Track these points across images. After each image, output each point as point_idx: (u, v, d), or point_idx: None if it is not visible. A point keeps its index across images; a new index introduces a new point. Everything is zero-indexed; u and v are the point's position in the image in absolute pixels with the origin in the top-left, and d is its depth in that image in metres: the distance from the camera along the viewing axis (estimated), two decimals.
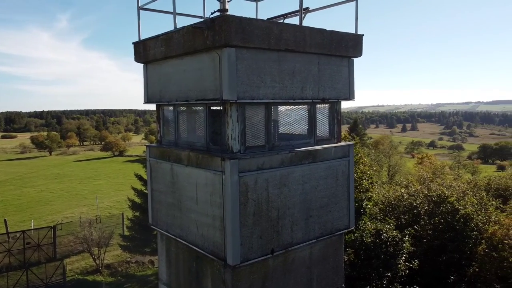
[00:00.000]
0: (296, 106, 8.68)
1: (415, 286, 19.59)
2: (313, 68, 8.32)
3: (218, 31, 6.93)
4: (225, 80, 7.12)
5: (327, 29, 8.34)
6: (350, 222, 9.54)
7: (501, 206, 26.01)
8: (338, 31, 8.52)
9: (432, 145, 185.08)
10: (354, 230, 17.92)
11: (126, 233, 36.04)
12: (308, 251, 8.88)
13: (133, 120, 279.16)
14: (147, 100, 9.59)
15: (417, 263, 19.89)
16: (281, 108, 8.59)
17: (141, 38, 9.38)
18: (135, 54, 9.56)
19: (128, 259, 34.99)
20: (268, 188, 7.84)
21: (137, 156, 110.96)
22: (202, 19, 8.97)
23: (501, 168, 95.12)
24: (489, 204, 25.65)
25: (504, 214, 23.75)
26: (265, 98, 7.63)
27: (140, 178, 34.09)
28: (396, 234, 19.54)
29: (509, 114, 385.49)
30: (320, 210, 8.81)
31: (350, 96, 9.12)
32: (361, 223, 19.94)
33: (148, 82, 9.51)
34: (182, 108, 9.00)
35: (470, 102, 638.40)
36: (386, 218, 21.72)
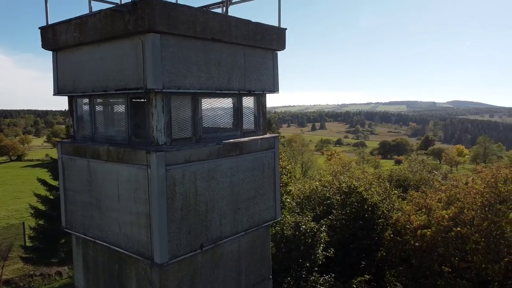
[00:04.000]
0: (222, 98, 8.55)
1: (331, 273, 20.61)
2: (239, 59, 8.25)
3: (141, 15, 6.52)
4: (149, 68, 6.72)
5: (252, 21, 8.34)
6: (277, 213, 9.68)
7: (402, 194, 28.66)
8: (262, 23, 8.57)
9: (339, 142, 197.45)
10: (275, 224, 18.31)
11: (29, 243, 32.69)
12: (237, 244, 8.80)
13: (33, 121, 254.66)
14: (58, 91, 8.71)
15: (332, 251, 21.00)
16: (207, 99, 8.39)
17: (50, 23, 8.48)
18: (42, 40, 8.62)
19: (32, 272, 31.75)
20: (196, 181, 7.59)
21: (38, 160, 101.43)
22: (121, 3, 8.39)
23: (398, 162, 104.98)
24: (392, 193, 28.12)
25: (405, 202, 26.16)
26: (191, 88, 7.37)
27: (44, 183, 31.15)
28: (313, 225, 20.40)
29: (403, 114, 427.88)
30: (247, 202, 8.79)
31: (274, 89, 9.24)
32: (281, 217, 20.46)
33: (58, 71, 8.65)
34: (99, 100, 8.34)
35: (371, 103, 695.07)
36: (304, 210, 22.56)
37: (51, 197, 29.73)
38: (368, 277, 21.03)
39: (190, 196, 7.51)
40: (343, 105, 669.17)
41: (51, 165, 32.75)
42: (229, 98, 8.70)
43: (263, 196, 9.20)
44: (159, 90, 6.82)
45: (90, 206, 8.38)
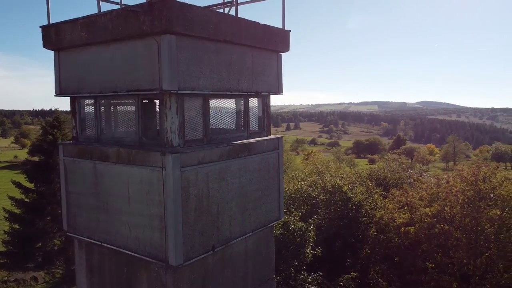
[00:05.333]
0: (229, 100, 8.58)
1: (319, 272, 20.89)
2: (247, 61, 8.30)
3: (158, 16, 6.46)
4: (165, 70, 6.67)
5: (260, 23, 8.40)
6: (280, 213, 9.77)
7: (384, 193, 29.36)
8: (269, 25, 8.65)
9: (313, 142, 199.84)
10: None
11: (2, 248, 31.52)
12: (244, 244, 8.84)
13: None
14: (60, 92, 8.50)
15: (320, 250, 21.29)
16: (214, 100, 8.39)
17: (51, 22, 8.27)
18: (43, 39, 8.39)
19: (5, 278, 30.63)
20: (208, 183, 7.59)
21: (6, 162, 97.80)
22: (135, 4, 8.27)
23: (371, 161, 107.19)
24: (374, 192, 28.76)
25: (387, 200, 26.80)
26: (204, 89, 7.36)
27: (19, 185, 30.12)
28: (301, 224, 20.62)
29: (375, 114, 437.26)
30: (254, 203, 8.84)
31: (279, 90, 9.33)
32: None
33: (61, 71, 8.43)
34: (107, 101, 8.20)
35: (344, 103, 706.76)
36: (292, 210, 22.74)
37: (27, 200, 28.78)
38: (354, 274, 21.45)
39: (203, 198, 7.49)
40: (317, 105, 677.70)
41: (25, 167, 31.70)
42: (234, 99, 8.73)
43: (268, 196, 9.27)
44: (175, 91, 6.78)
45: (96, 209, 8.22)
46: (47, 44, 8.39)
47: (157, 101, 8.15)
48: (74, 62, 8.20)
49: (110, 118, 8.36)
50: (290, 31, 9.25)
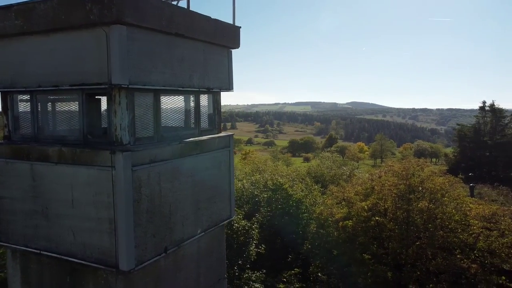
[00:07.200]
0: (179, 96, 8.30)
1: (262, 269, 21.08)
2: (199, 56, 8.08)
3: (108, 5, 6.05)
4: (115, 63, 6.26)
5: (212, 17, 8.23)
6: (231, 212, 9.67)
7: (322, 189, 30.42)
8: (221, 21, 8.50)
9: (250, 142, 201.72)
10: None
11: None
12: (197, 245, 8.61)
13: None
14: None
15: (264, 247, 21.49)
16: (164, 97, 8.06)
17: None
18: None
19: None
20: (161, 182, 7.27)
21: None
22: None
23: (306, 159, 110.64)
24: (313, 188, 29.68)
25: (325, 196, 27.78)
26: (156, 84, 7.04)
27: None
28: (245, 223, 20.67)
29: (308, 114, 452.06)
30: (207, 202, 8.64)
31: (230, 87, 9.21)
32: None
33: None
34: (45, 96, 7.52)
35: (279, 103, 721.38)
36: (235, 209, 22.68)
37: None
38: (297, 270, 21.94)
39: (155, 198, 7.16)
40: (253, 105, 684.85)
41: None
42: (184, 96, 8.47)
43: (220, 195, 9.12)
44: (126, 86, 6.40)
45: (34, 215, 7.51)
46: None
47: (101, 97, 7.67)
48: (7, 53, 7.41)
49: (50, 115, 7.68)
50: (240, 27, 9.18)
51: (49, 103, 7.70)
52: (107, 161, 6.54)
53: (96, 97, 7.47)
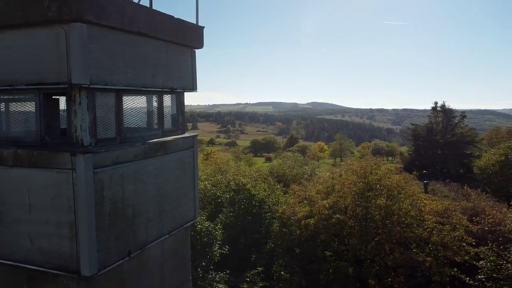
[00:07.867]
0: (142, 96, 8.15)
1: (226, 270, 21.07)
2: (162, 56, 7.98)
3: (67, 2, 5.84)
4: (75, 62, 6.06)
5: (175, 17, 8.15)
6: (196, 213, 9.60)
7: (284, 189, 30.79)
8: (184, 20, 8.43)
9: (211, 142, 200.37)
10: None
11: None
12: (161, 247, 8.49)
13: None
14: None
15: (227, 248, 21.47)
16: (126, 97, 7.88)
17: None
18: None
19: None
20: (124, 184, 7.11)
21: None
22: None
23: (268, 159, 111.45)
24: (276, 188, 29.97)
25: (288, 195, 28.16)
26: (118, 84, 6.88)
27: None
28: (208, 224, 20.57)
29: (269, 114, 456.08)
30: (171, 203, 8.54)
31: (193, 87, 9.15)
32: None
33: None
34: None
35: (240, 103, 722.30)
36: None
37: None
38: (260, 269, 22.08)
39: (118, 200, 6.99)
40: (214, 106, 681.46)
41: None
42: (147, 96, 8.33)
43: (185, 196, 9.04)
44: (86, 85, 6.21)
45: None
46: None
47: (59, 97, 7.40)
48: None
49: (4, 115, 7.30)
50: (204, 27, 9.14)
51: (3, 103, 7.32)
52: (67, 163, 6.32)
53: (54, 97, 7.19)
